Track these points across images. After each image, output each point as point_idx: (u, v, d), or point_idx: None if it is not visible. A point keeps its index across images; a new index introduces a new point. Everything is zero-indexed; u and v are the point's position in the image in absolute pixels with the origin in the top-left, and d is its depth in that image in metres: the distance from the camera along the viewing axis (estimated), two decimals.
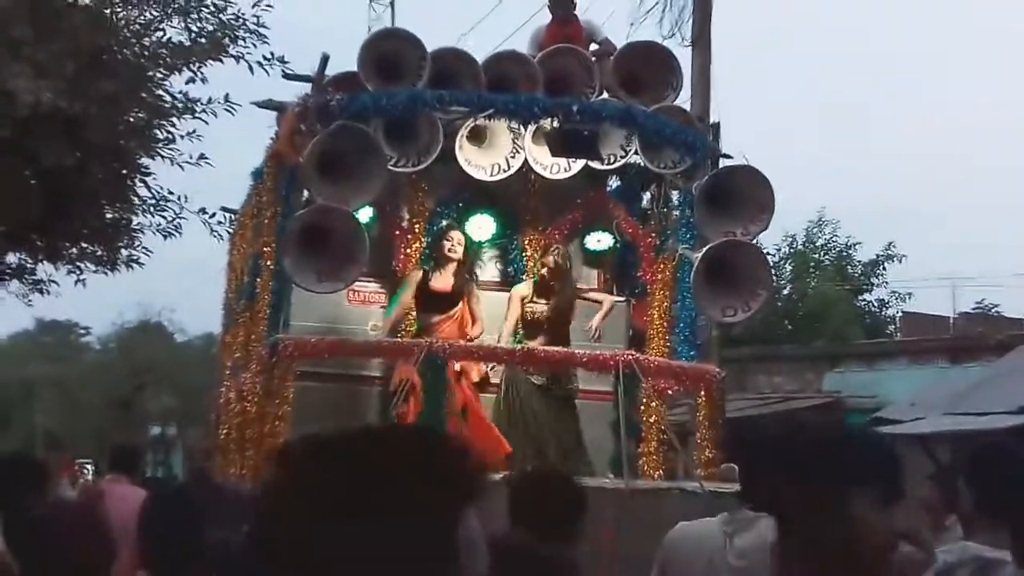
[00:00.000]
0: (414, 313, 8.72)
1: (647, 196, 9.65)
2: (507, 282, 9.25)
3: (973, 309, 25.75)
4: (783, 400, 18.61)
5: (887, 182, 77.11)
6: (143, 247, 12.47)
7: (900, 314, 27.39)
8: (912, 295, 27.86)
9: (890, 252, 27.62)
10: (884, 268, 27.85)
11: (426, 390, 7.98)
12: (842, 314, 25.91)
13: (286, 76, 9.48)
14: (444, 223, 8.95)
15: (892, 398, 16.71)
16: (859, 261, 28.00)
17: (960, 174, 78.60)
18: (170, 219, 12.25)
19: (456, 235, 8.68)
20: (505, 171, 8.60)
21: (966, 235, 63.62)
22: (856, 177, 73.03)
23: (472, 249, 8.94)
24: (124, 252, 12.39)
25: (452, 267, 8.62)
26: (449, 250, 8.59)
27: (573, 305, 8.85)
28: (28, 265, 12.63)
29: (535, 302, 8.72)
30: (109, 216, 12.12)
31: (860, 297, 28.09)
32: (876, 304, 28.51)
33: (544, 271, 8.74)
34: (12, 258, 12.45)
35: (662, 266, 8.99)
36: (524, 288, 8.86)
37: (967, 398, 14.43)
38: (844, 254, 27.97)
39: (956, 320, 24.16)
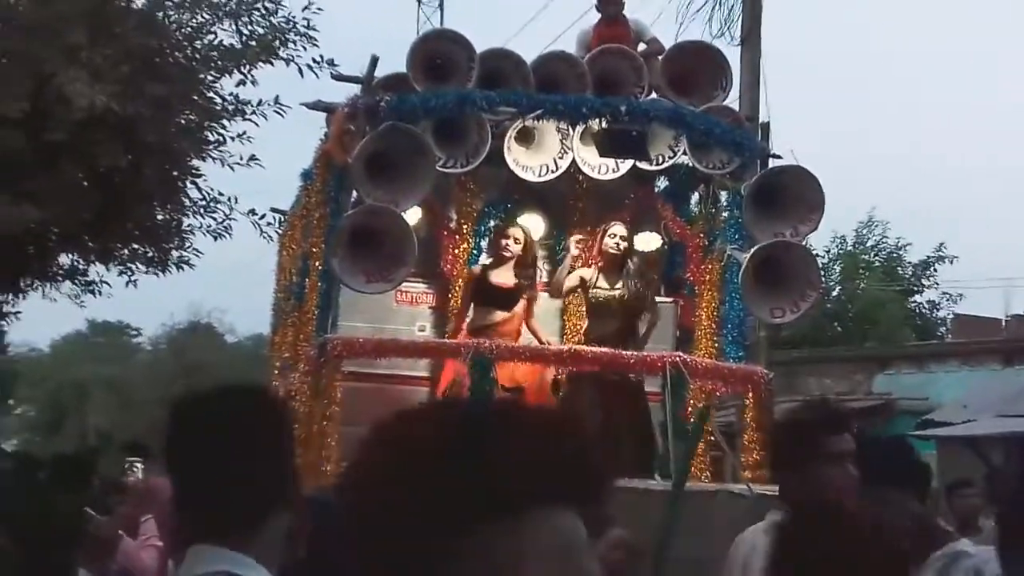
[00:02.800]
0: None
1: (695, 196, 9.62)
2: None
3: None
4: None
5: (940, 182, 76.39)
6: (193, 248, 12.62)
7: (951, 316, 27.14)
8: (964, 296, 27.60)
9: (941, 253, 27.38)
10: (935, 269, 27.61)
11: (473, 392, 7.99)
12: (892, 316, 25.69)
13: (335, 77, 9.54)
14: (499, 221, 8.94)
15: (943, 400, 16.55)
16: (909, 262, 27.76)
17: (1015, 173, 77.55)
18: (220, 220, 12.39)
19: (514, 231, 8.61)
20: (553, 172, 8.59)
21: (1019, 236, 62.68)
22: (908, 177, 72.32)
23: (532, 247, 8.70)
24: (175, 253, 12.53)
25: (510, 265, 8.59)
26: (504, 248, 8.56)
27: (647, 293, 8.62)
28: (80, 266, 12.79)
29: (598, 287, 8.50)
30: (160, 217, 12.26)
31: (911, 299, 27.84)
32: (927, 306, 28.28)
33: (611, 246, 8.50)
34: (65, 259, 12.63)
35: (710, 266, 8.96)
36: (587, 272, 8.56)
37: (1019, 400, 14.26)
38: (894, 255, 27.73)
39: (1008, 322, 23.88)
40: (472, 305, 8.57)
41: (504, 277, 8.49)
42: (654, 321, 8.67)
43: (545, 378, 8.37)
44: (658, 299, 9.43)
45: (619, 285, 8.48)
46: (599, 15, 9.40)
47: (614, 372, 8.26)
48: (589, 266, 8.65)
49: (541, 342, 8.49)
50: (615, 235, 8.51)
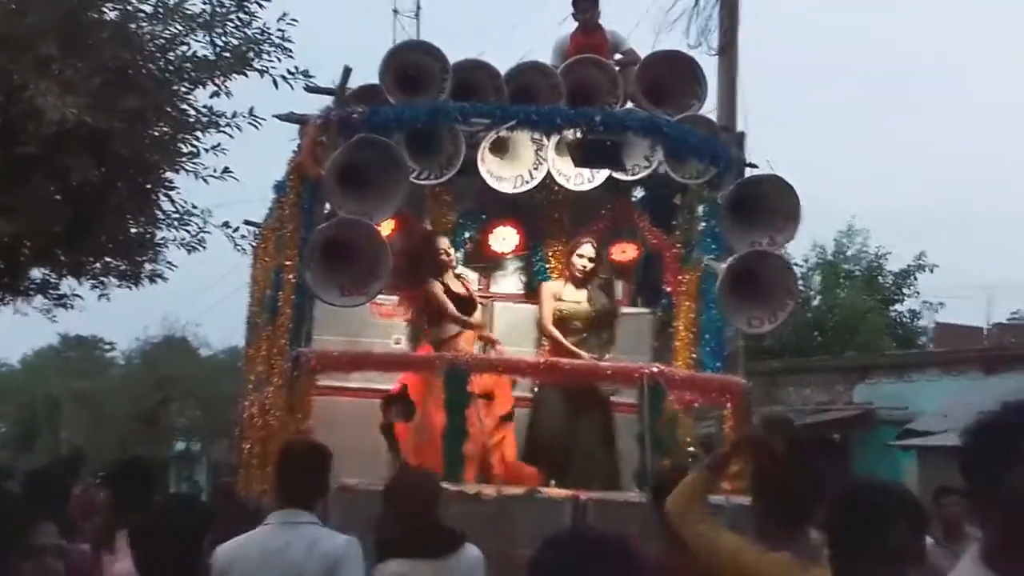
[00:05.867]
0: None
1: (672, 206, 9.58)
2: (530, 294, 9.22)
3: (1008, 319, 25.51)
4: (814, 412, 18.46)
5: (920, 189, 76.69)
6: (167, 261, 12.55)
7: (932, 325, 27.17)
8: (944, 305, 27.63)
9: (922, 262, 27.41)
10: (915, 278, 27.62)
11: (448, 404, 7.95)
12: (873, 325, 25.69)
13: (309, 89, 9.47)
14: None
15: (924, 409, 16.56)
16: (890, 271, 27.78)
17: (994, 180, 78.02)
18: (194, 233, 12.32)
19: (444, 242, 8.73)
20: (528, 183, 8.55)
21: (1001, 244, 62.96)
22: (888, 185, 72.62)
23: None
24: (148, 266, 12.46)
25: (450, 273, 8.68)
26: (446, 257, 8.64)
27: (612, 305, 8.76)
28: (52, 280, 12.69)
29: (563, 300, 8.64)
30: (133, 230, 12.19)
31: (891, 308, 27.86)
32: (908, 315, 28.28)
33: (579, 267, 8.64)
34: (36, 273, 12.52)
35: (687, 277, 8.93)
36: (555, 284, 8.76)
37: None
38: (874, 264, 27.75)
39: (990, 331, 23.94)
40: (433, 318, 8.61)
41: (459, 286, 8.62)
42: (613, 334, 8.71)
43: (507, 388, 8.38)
44: (634, 310, 9.43)
45: (584, 298, 8.61)
46: (576, 23, 9.36)
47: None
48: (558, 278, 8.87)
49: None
50: (583, 255, 8.67)
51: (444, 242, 8.74)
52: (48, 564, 3.49)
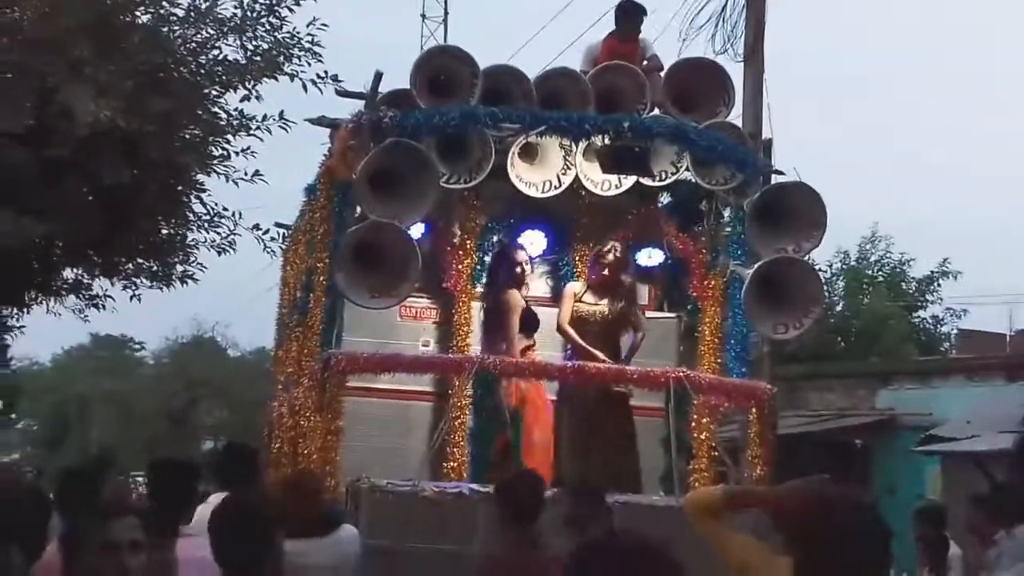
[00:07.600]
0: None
1: (698, 212, 9.63)
2: (557, 299, 9.28)
3: None
4: (837, 417, 18.41)
5: (943, 195, 76.34)
6: (198, 263, 12.63)
7: (955, 331, 27.07)
8: (967, 312, 27.53)
9: (945, 268, 27.32)
10: (939, 284, 27.53)
11: (476, 406, 8.04)
12: (896, 331, 25.62)
13: (339, 93, 9.55)
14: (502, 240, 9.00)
15: (947, 416, 16.51)
16: (913, 278, 27.71)
17: (1017, 185, 77.54)
18: (224, 235, 12.40)
19: (522, 255, 8.85)
20: (556, 188, 8.61)
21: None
22: (911, 191, 72.24)
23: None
24: (179, 268, 12.56)
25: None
26: (523, 272, 8.80)
27: (630, 309, 8.72)
28: (84, 281, 12.81)
29: (583, 301, 8.61)
30: (164, 232, 12.28)
31: (914, 314, 27.78)
32: (931, 321, 28.19)
33: (603, 270, 8.61)
34: (69, 273, 12.64)
35: (713, 282, 8.97)
36: (577, 286, 8.76)
37: None
38: (898, 270, 27.68)
39: (1013, 338, 23.83)
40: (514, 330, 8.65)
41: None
42: (641, 337, 8.70)
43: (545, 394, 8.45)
44: (661, 314, 9.47)
45: (603, 302, 8.58)
46: (616, 29, 9.39)
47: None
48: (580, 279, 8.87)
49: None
50: (605, 263, 8.61)
51: (522, 255, 8.82)
52: (124, 561, 3.48)
